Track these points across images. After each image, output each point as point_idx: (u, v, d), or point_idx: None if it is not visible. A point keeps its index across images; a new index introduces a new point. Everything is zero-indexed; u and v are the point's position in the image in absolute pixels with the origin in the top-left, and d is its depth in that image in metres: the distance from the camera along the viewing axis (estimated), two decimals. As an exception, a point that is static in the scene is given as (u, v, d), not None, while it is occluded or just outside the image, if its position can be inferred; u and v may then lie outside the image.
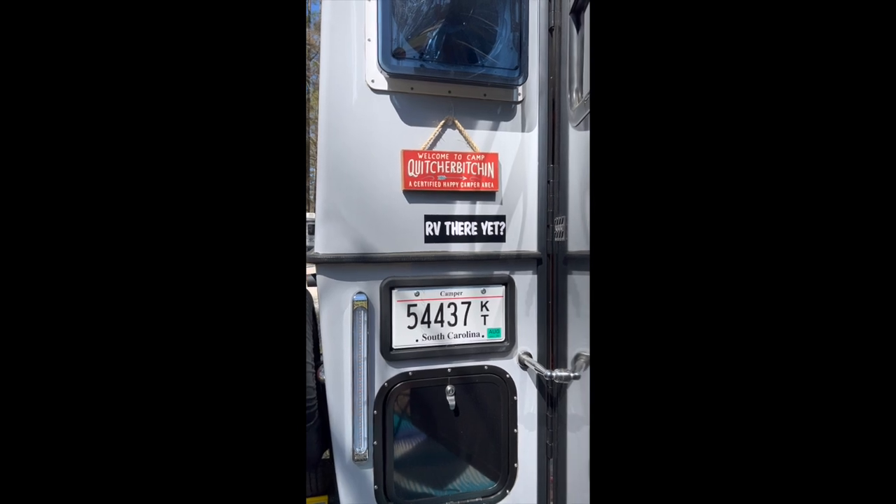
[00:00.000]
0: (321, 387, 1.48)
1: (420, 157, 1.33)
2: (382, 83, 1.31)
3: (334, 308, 1.30)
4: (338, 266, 1.29)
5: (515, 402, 1.45)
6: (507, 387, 1.44)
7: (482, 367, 1.42)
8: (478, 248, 1.40)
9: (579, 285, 1.26)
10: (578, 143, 1.27)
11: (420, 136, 1.35)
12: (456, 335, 1.39)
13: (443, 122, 1.36)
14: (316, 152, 1.30)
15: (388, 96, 1.32)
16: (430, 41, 1.31)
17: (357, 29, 1.29)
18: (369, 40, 1.29)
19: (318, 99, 1.30)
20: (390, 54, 1.27)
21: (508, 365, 1.44)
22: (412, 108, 1.34)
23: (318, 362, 1.71)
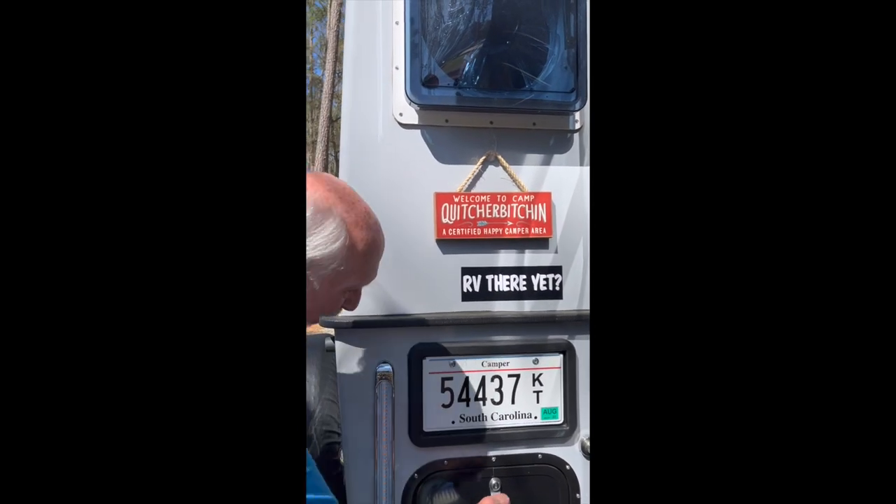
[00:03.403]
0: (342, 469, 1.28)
1: (456, 200, 1.13)
2: (412, 116, 1.13)
3: (354, 381, 1.10)
4: (359, 331, 1.09)
5: (578, 500, 1.17)
6: (567, 481, 1.16)
7: (535, 455, 1.15)
8: (528, 306, 1.16)
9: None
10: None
11: (456, 176, 1.15)
12: (502, 416, 1.14)
13: (483, 158, 1.16)
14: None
15: (418, 131, 1.14)
16: (467, 65, 1.12)
17: (384, 57, 1.14)
18: (397, 68, 1.13)
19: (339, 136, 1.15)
20: (420, 83, 1.09)
21: (568, 453, 1.16)
22: (447, 143, 1.15)
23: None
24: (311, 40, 22.70)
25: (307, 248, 0.79)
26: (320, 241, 0.80)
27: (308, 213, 0.79)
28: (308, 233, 0.79)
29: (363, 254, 0.85)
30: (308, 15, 21.99)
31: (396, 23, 1.13)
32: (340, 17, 11.12)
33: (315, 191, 0.82)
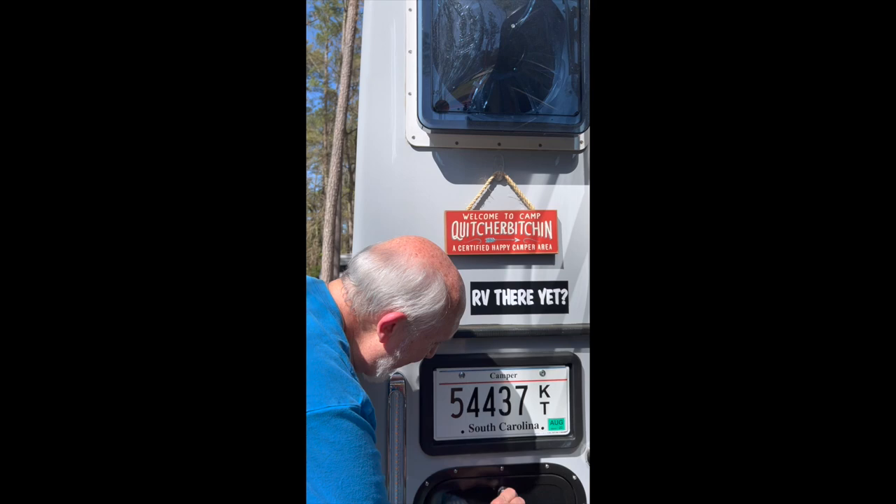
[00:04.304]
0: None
1: (465, 218, 1.18)
2: (424, 139, 1.19)
3: (367, 391, 1.14)
4: (373, 343, 1.14)
5: (585, 510, 1.19)
6: (573, 491, 1.19)
7: (542, 465, 1.18)
8: (535, 320, 1.20)
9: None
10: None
11: (466, 195, 1.20)
12: (509, 426, 1.18)
13: (491, 178, 1.21)
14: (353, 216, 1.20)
15: (430, 153, 1.20)
16: (476, 90, 1.18)
17: (397, 83, 1.20)
18: (410, 94, 1.19)
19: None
20: (431, 108, 1.15)
21: (575, 464, 1.19)
22: (457, 164, 1.21)
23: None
24: (327, 55, 23.14)
25: (415, 306, 0.90)
26: (427, 301, 0.90)
27: (420, 278, 0.90)
28: (416, 293, 0.90)
29: (454, 313, 0.96)
30: (324, 30, 22.42)
31: (409, 51, 1.20)
32: (355, 32, 11.34)
33: (424, 256, 0.93)
